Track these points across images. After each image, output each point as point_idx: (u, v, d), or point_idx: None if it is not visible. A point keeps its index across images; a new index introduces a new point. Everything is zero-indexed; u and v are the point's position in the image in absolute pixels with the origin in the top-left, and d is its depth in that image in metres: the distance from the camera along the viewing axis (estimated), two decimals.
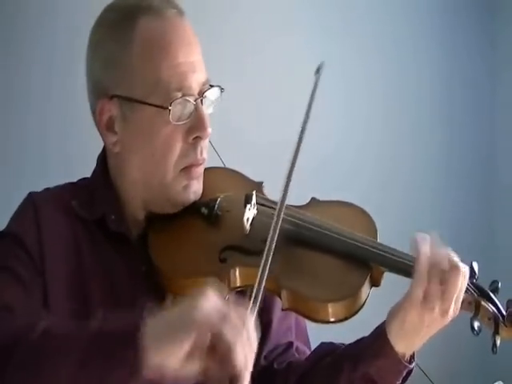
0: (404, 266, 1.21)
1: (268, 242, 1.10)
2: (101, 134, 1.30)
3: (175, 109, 1.23)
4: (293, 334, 1.37)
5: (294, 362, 1.34)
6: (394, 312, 1.19)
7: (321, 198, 1.38)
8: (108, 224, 1.28)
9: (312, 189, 2.56)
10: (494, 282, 1.24)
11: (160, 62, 1.23)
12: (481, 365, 2.64)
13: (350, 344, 1.28)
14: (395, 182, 2.72)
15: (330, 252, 1.24)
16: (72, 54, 2.12)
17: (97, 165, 1.36)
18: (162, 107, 1.22)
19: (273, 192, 1.36)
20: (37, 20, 2.14)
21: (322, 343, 1.35)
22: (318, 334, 1.24)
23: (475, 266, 1.24)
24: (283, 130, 2.46)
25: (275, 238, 1.11)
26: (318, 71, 1.29)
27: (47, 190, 1.35)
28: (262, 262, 1.08)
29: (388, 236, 2.69)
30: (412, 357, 1.23)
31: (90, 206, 1.30)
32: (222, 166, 1.43)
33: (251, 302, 1.05)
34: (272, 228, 1.12)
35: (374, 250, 1.23)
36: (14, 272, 1.22)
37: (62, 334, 1.06)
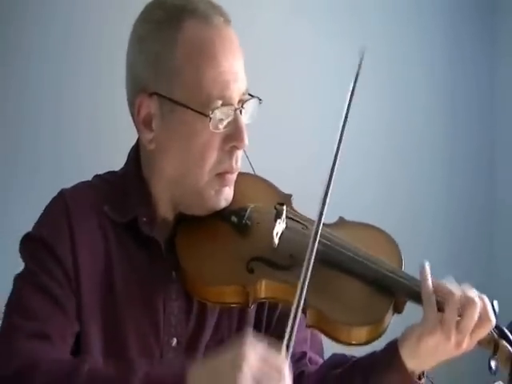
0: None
1: (305, 266, 1.10)
2: (137, 128, 1.30)
3: (215, 117, 1.23)
4: (307, 344, 1.39)
5: (306, 371, 1.36)
6: (409, 335, 1.21)
7: (348, 218, 1.38)
8: (140, 227, 1.28)
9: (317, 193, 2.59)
10: None
11: (204, 68, 1.23)
12: (481, 365, 2.67)
13: (361, 357, 1.29)
14: (399, 179, 2.76)
15: (356, 276, 1.25)
16: (82, 54, 2.17)
17: (129, 159, 1.36)
18: (202, 114, 1.22)
19: (300, 204, 1.38)
20: (50, 20, 2.18)
21: (334, 354, 1.37)
22: (331, 343, 1.27)
23: (496, 304, 1.23)
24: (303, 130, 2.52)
25: (311, 262, 1.11)
26: (361, 57, 1.24)
27: (78, 187, 1.33)
28: (300, 283, 1.09)
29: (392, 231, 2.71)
30: (422, 373, 1.25)
31: (123, 208, 1.29)
32: (252, 171, 1.43)
33: (289, 323, 1.09)
34: (309, 250, 1.11)
35: (400, 280, 1.24)
36: (50, 291, 1.23)
37: (107, 378, 1.12)
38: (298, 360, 1.37)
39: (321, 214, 1.13)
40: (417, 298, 1.21)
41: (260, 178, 1.41)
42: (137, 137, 1.33)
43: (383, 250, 1.31)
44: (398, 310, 1.24)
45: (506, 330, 1.22)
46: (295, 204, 1.39)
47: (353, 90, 1.21)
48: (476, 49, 2.87)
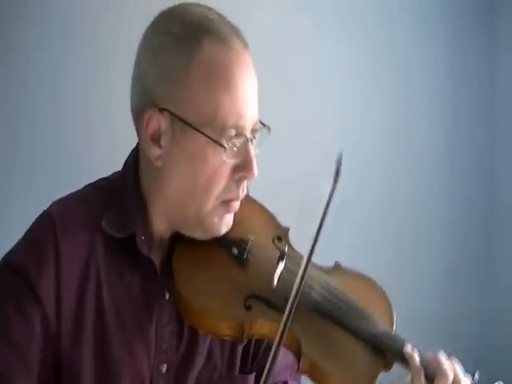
0: None
1: (288, 308, 1.11)
2: (143, 141, 1.24)
3: (230, 147, 1.20)
4: (288, 372, 1.38)
5: None
6: None
7: (343, 264, 1.38)
8: (138, 246, 1.23)
9: (318, 196, 2.58)
10: None
11: (220, 94, 1.19)
12: (481, 365, 2.66)
13: None
14: (400, 181, 2.75)
15: (351, 332, 1.25)
16: (80, 56, 2.17)
17: (127, 167, 1.30)
18: (217, 143, 1.19)
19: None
20: (47, 20, 2.17)
21: None
22: None
23: (477, 375, 1.27)
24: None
25: (295, 304, 1.12)
26: (337, 165, 1.18)
27: (69, 205, 1.27)
28: (281, 327, 1.11)
29: (390, 243, 2.71)
30: None
31: (120, 222, 1.23)
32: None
33: (268, 362, 1.11)
34: (293, 294, 1.12)
35: (395, 346, 1.25)
36: (16, 344, 1.17)
37: None
38: None
39: (306, 266, 1.14)
40: (407, 364, 1.23)
41: (257, 205, 1.39)
42: (134, 137, 1.31)
43: (377, 306, 1.32)
44: (387, 368, 1.26)
45: None
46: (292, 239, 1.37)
47: (330, 197, 1.17)
48: (477, 51, 2.87)
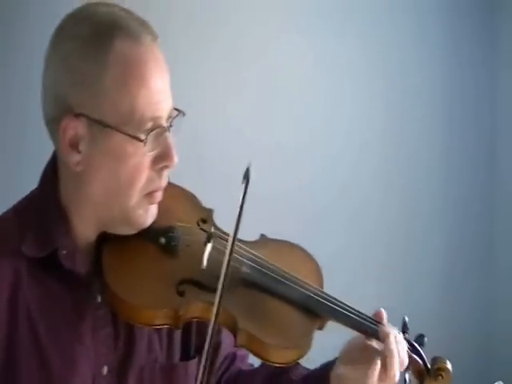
0: (351, 320, 1.30)
1: (220, 285, 1.14)
2: (61, 150, 1.23)
3: (149, 140, 1.21)
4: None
5: (242, 373, 1.43)
6: (343, 376, 1.29)
7: (270, 235, 1.40)
8: (60, 260, 1.23)
9: (314, 190, 2.59)
10: (420, 337, 1.34)
11: (136, 90, 1.19)
12: (481, 365, 2.67)
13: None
14: (395, 183, 2.77)
15: (283, 298, 1.29)
16: None
17: (45, 182, 1.30)
18: (136, 138, 1.19)
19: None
20: (36, 17, 2.20)
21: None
22: None
23: (406, 319, 1.34)
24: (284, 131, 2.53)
25: (227, 281, 1.15)
26: (245, 177, 1.20)
27: None
28: (216, 304, 1.14)
29: (387, 238, 2.72)
30: None
31: (39, 242, 1.24)
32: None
33: (206, 347, 1.14)
34: (223, 271, 1.15)
35: (325, 302, 1.30)
36: None
37: None
38: (229, 365, 1.44)
39: (234, 239, 1.15)
40: (341, 320, 1.30)
41: (178, 190, 1.39)
42: None
43: (304, 269, 1.36)
44: (320, 328, 1.31)
45: (417, 346, 1.33)
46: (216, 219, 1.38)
47: (241, 206, 1.18)
48: (475, 53, 2.88)
